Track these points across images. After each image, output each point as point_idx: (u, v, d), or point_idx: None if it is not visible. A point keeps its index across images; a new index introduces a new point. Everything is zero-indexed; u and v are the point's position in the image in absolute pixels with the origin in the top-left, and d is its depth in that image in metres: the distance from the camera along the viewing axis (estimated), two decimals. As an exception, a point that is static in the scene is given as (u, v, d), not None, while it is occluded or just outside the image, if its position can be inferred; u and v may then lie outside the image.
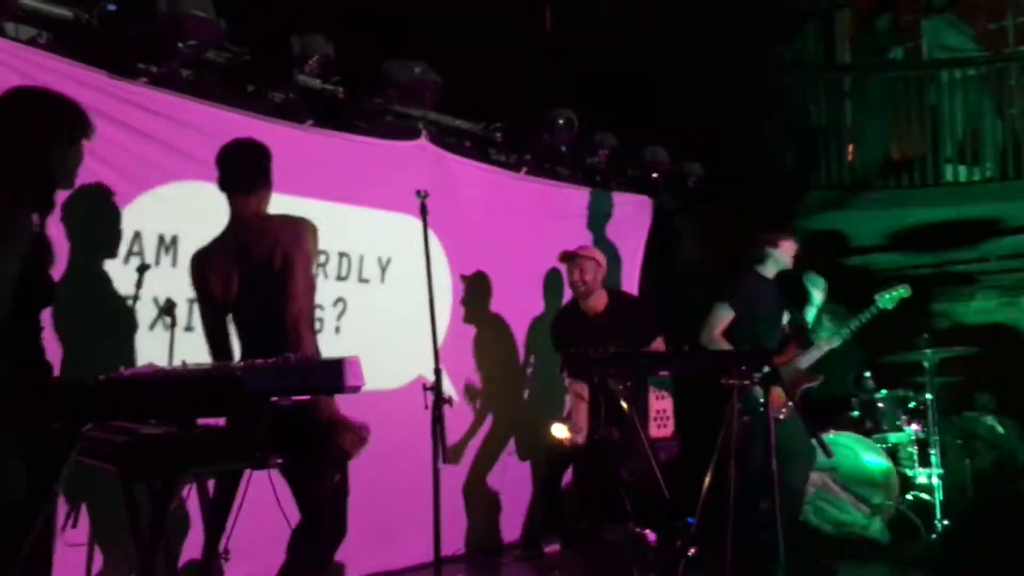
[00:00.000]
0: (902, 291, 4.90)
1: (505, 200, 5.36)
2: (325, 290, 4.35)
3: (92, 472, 2.83)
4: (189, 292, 3.75)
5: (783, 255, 4.87)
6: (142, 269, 3.65)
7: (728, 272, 5.09)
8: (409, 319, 4.73)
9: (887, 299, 4.87)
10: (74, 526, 3.25)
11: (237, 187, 3.13)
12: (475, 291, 5.15)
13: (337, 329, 4.45)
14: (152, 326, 3.72)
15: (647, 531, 4.86)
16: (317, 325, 4.21)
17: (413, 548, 4.39)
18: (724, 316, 4.76)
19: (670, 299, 6.25)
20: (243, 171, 3.14)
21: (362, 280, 4.58)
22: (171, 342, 3.62)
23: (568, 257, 4.87)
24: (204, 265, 3.13)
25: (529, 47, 6.00)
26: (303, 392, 2.58)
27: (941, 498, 5.22)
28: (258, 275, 3.02)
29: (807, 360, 4.78)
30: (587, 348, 4.29)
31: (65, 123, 2.50)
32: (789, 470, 4.47)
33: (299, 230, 3.05)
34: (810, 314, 5.15)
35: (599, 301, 4.82)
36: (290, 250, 3.00)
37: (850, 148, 7.73)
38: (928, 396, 5.37)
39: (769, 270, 4.88)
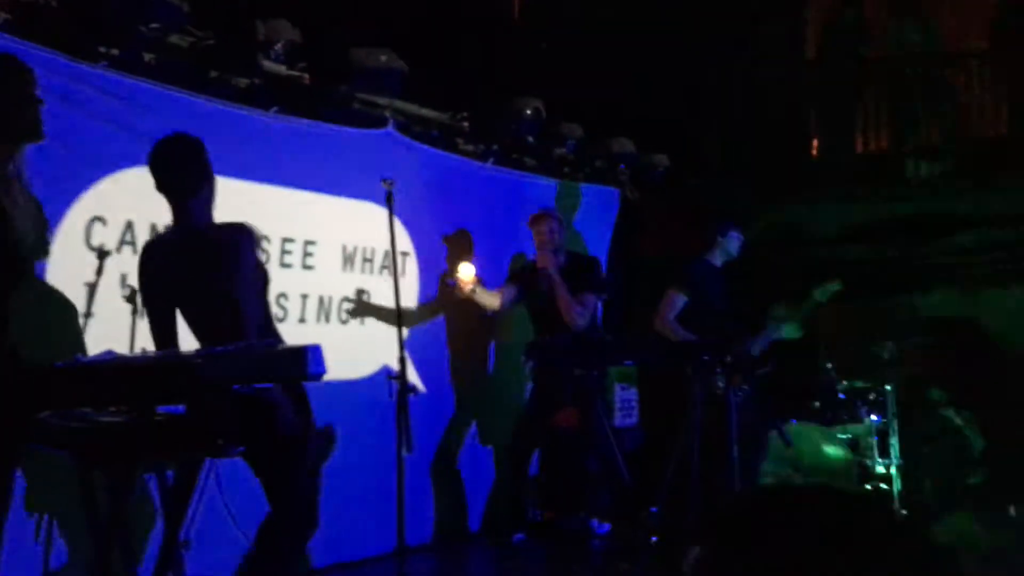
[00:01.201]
0: (835, 286, 5.07)
1: (472, 190, 5.35)
2: (290, 279, 4.32)
3: (51, 460, 2.81)
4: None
5: (730, 244, 5.00)
6: (102, 254, 3.59)
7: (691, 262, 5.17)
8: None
9: (822, 292, 5.04)
10: (31, 517, 3.21)
11: (175, 191, 3.03)
12: (440, 280, 5.14)
13: (302, 319, 4.42)
14: (112, 312, 3.67)
15: (609, 521, 4.91)
16: (281, 313, 4.18)
17: (378, 537, 4.39)
18: (678, 302, 4.85)
19: (636, 289, 6.29)
20: (178, 174, 3.02)
21: (327, 268, 4.56)
22: (132, 329, 3.57)
23: (536, 219, 4.95)
24: (150, 265, 3.06)
25: (496, 37, 5.98)
26: (264, 380, 2.57)
27: (899, 488, 5.32)
28: (205, 290, 2.96)
29: (756, 346, 4.89)
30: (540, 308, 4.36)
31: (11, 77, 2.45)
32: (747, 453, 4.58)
33: (239, 239, 2.98)
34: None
35: (557, 262, 4.89)
36: (232, 264, 2.94)
37: (815, 142, 7.81)
38: (887, 387, 5.45)
39: (717, 258, 4.99)
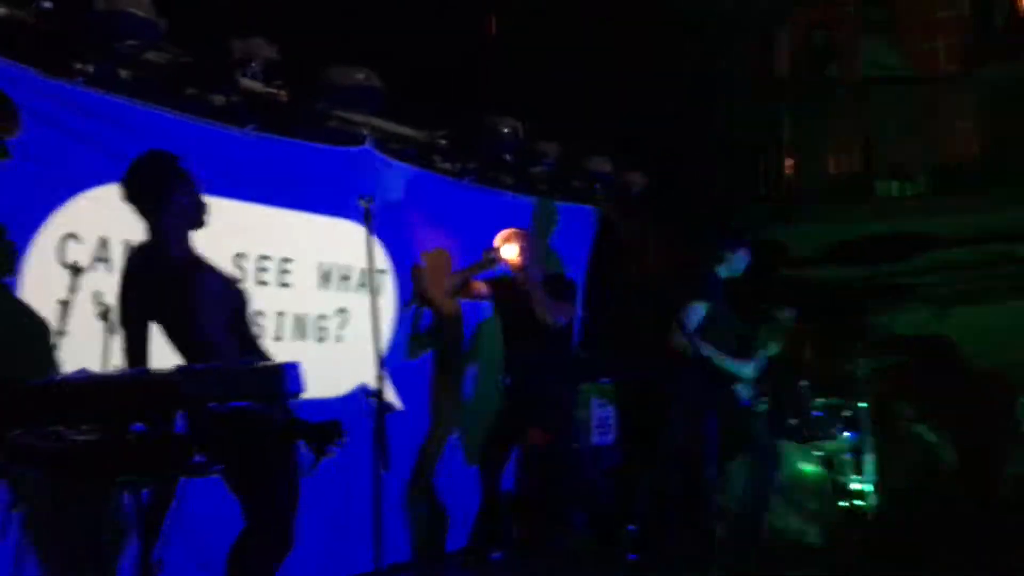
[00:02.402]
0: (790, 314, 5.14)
1: (450, 208, 5.35)
2: (266, 296, 4.29)
3: (26, 479, 2.76)
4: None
5: (738, 262, 5.02)
6: (76, 271, 3.55)
7: (671, 281, 5.20)
8: (352, 325, 4.71)
9: (785, 319, 5.12)
10: (1, 538, 3.15)
11: (150, 208, 3.04)
12: (437, 289, 5.14)
13: (278, 337, 4.39)
14: (85, 330, 3.63)
15: (588, 540, 4.90)
16: (257, 331, 4.16)
17: (356, 557, 4.35)
18: (697, 312, 4.87)
19: (613, 308, 6.30)
20: (138, 189, 3.04)
21: (304, 286, 4.54)
22: (105, 347, 3.52)
23: (506, 237, 4.93)
24: (128, 278, 3.06)
25: (474, 55, 6.01)
26: (243, 398, 2.55)
27: (874, 505, 5.35)
28: (169, 315, 2.96)
29: (755, 367, 4.94)
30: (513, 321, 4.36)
31: None
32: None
33: (239, 291, 2.99)
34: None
35: (534, 278, 4.88)
36: (240, 306, 2.94)
37: (788, 162, 7.91)
38: (862, 405, 5.50)
39: (722, 273, 5.00)
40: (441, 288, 5.12)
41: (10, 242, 3.43)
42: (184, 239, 3.06)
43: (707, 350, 4.77)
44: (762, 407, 4.99)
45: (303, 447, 2.87)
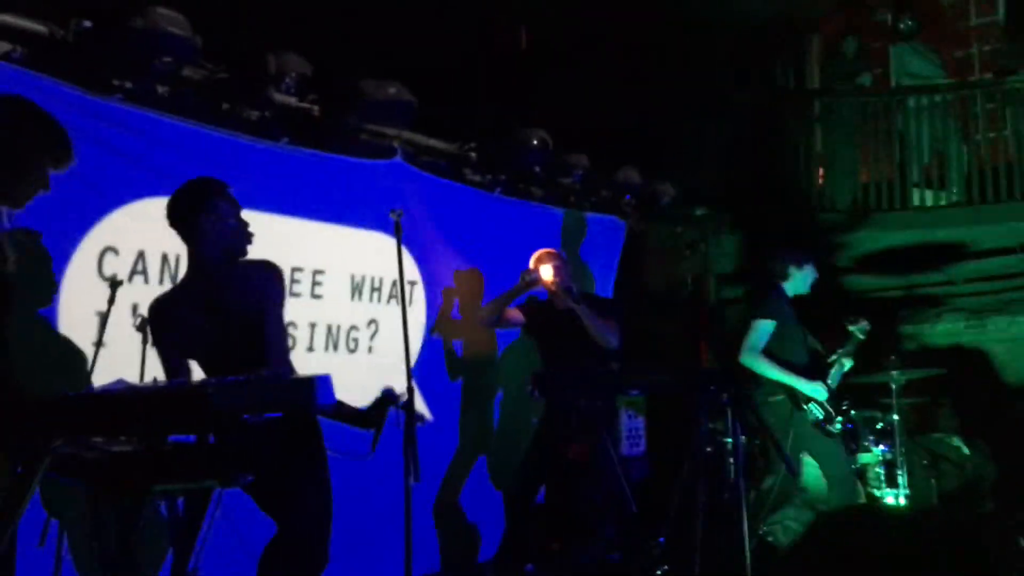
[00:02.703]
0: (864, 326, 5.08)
1: (480, 219, 5.38)
2: (298, 308, 4.35)
3: (62, 488, 2.82)
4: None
5: (805, 277, 4.97)
6: (114, 284, 3.63)
7: (694, 290, 5.19)
8: (382, 336, 4.75)
9: (859, 330, 5.05)
10: (41, 545, 3.22)
11: (186, 235, 3.10)
12: (448, 309, 5.17)
13: (310, 347, 4.45)
14: (123, 342, 3.70)
15: (618, 551, 4.89)
16: (289, 342, 4.21)
17: (385, 567, 4.37)
18: (767, 332, 4.83)
19: (641, 318, 6.30)
20: (186, 217, 3.08)
21: (335, 298, 4.58)
22: (142, 358, 3.59)
23: (539, 258, 4.92)
24: (165, 315, 3.10)
25: (504, 68, 6.05)
26: (274, 409, 2.58)
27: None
28: (230, 325, 3.01)
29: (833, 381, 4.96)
30: (549, 342, 4.37)
31: (47, 144, 2.51)
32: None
33: (268, 276, 3.05)
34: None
35: (573, 295, 4.85)
36: (262, 297, 2.99)
37: (820, 172, 7.86)
38: (895, 417, 5.44)
39: (789, 289, 4.95)
40: (473, 308, 5.15)
41: (52, 274, 3.51)
42: (224, 259, 3.10)
43: (775, 371, 4.74)
44: (836, 427, 4.94)
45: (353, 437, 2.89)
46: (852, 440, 5.72)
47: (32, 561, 3.13)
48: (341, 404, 3.20)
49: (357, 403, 4.38)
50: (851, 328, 5.03)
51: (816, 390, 4.85)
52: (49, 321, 3.49)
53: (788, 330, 4.89)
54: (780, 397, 4.87)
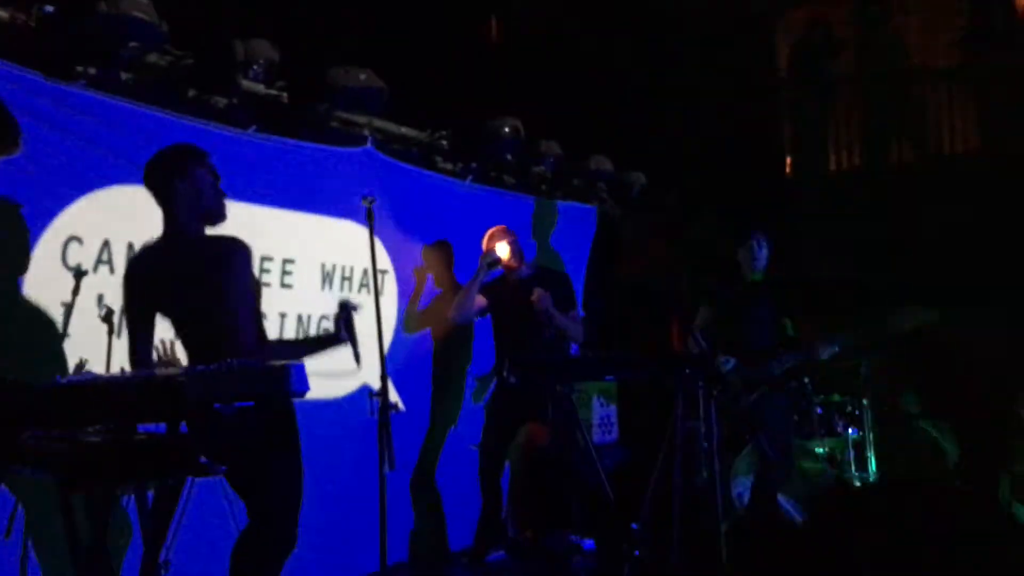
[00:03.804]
0: (927, 315, 4.92)
1: (451, 208, 5.37)
2: (269, 297, 4.30)
3: (28, 481, 2.77)
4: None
5: (756, 253, 5.01)
6: (79, 274, 3.57)
7: (669, 280, 5.22)
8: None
9: (900, 321, 4.93)
10: (7, 536, 3.16)
11: (162, 198, 3.06)
12: (421, 289, 5.15)
13: (280, 337, 4.40)
14: (89, 332, 3.64)
15: (590, 539, 4.91)
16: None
17: (360, 555, 4.36)
18: (702, 317, 4.96)
19: (613, 306, 6.32)
20: (151, 177, 3.05)
21: (306, 287, 4.55)
22: (108, 349, 3.54)
23: (491, 235, 4.92)
24: (138, 269, 3.07)
25: (475, 56, 6.03)
26: (247, 398, 2.55)
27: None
28: (200, 295, 2.98)
29: (781, 365, 4.90)
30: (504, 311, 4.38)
31: None
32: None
33: (233, 249, 3.01)
34: None
35: (523, 273, 4.89)
36: (225, 271, 2.96)
37: (788, 161, 7.93)
38: (864, 401, 5.51)
39: (744, 273, 5.01)
40: (446, 281, 5.13)
41: (27, 230, 3.45)
42: (201, 227, 3.06)
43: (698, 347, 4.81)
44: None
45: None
46: (818, 424, 5.79)
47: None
48: (304, 341, 3.19)
49: (331, 393, 4.37)
50: (895, 317, 4.96)
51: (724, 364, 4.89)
52: (12, 311, 3.42)
53: (729, 313, 4.97)
54: None
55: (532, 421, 4.71)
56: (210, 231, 3.08)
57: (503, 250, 4.79)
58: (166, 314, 3.02)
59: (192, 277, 2.97)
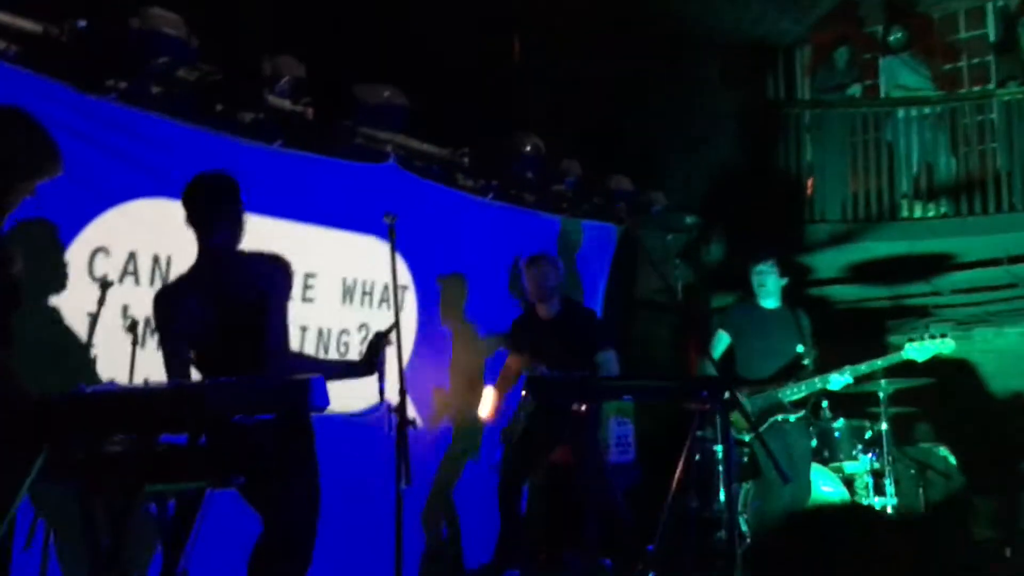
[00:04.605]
0: (943, 345, 4.83)
1: (472, 225, 5.39)
2: (290, 311, 4.33)
3: (48, 489, 2.80)
4: (150, 310, 3.74)
5: (761, 283, 5.05)
6: (105, 285, 3.61)
7: (688, 300, 5.24)
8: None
9: (916, 349, 4.87)
10: (27, 547, 3.19)
11: (205, 223, 3.11)
12: (440, 314, 5.17)
13: (301, 350, 4.43)
14: (113, 343, 3.68)
15: (607, 559, 4.89)
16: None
17: (375, 572, 4.36)
18: (718, 340, 5.06)
19: (631, 325, 6.31)
20: (210, 206, 3.11)
21: (327, 301, 4.58)
22: (132, 360, 3.58)
23: (531, 261, 4.94)
24: (174, 303, 3.09)
25: (497, 75, 6.07)
26: (268, 411, 2.58)
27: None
28: (237, 313, 3.02)
29: (792, 393, 4.88)
30: (538, 354, 4.41)
31: (36, 158, 2.52)
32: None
33: (274, 267, 3.07)
34: None
35: (553, 307, 4.89)
36: (268, 288, 3.02)
37: (809, 182, 7.90)
38: (883, 426, 5.46)
39: (759, 298, 5.06)
40: (456, 314, 5.16)
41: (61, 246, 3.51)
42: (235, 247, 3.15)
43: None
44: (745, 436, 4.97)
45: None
46: (836, 448, 5.75)
47: (17, 564, 3.11)
48: (334, 363, 3.23)
49: (349, 407, 4.39)
50: (912, 344, 4.90)
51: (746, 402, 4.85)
52: (41, 321, 3.47)
53: (741, 339, 5.02)
54: None
55: (563, 443, 4.71)
56: (249, 248, 3.14)
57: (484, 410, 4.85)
58: (196, 347, 3.06)
59: (229, 302, 3.01)
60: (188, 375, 3.06)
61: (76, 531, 2.57)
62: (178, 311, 3.04)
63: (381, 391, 3.29)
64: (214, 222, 3.08)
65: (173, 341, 3.05)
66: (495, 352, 5.39)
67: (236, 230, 3.12)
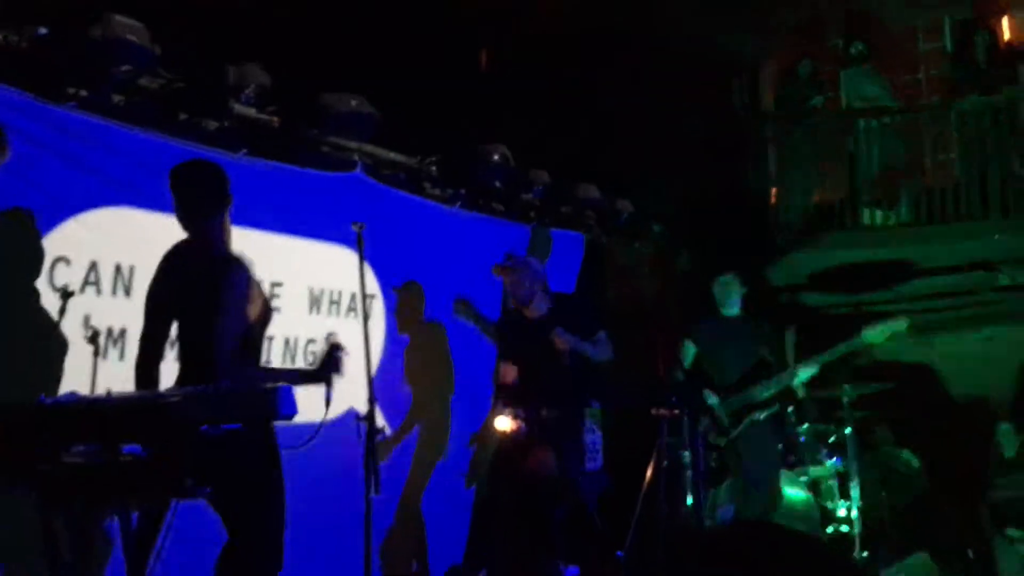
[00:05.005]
0: (896, 324, 5.01)
1: (440, 233, 5.38)
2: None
3: (9, 501, 2.75)
4: (112, 320, 3.69)
5: (722, 294, 5.20)
6: (66, 295, 3.55)
7: (656, 308, 5.31)
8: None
9: (874, 333, 4.99)
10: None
11: (193, 212, 3.12)
12: (408, 323, 5.15)
13: (267, 360, 4.39)
14: (74, 354, 3.62)
15: (575, 566, 4.89)
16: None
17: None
18: (686, 351, 5.22)
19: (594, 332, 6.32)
20: (194, 196, 3.12)
21: (294, 310, 4.54)
22: (94, 370, 3.52)
23: (501, 270, 4.92)
24: (167, 270, 3.11)
25: (465, 84, 6.08)
26: (235, 420, 2.55)
27: (859, 530, 5.36)
28: (196, 310, 3.00)
29: (763, 392, 4.94)
30: (530, 356, 4.41)
31: None
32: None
33: (231, 269, 3.04)
34: None
35: (540, 307, 4.85)
36: (221, 289, 2.99)
37: (773, 192, 8.01)
38: (847, 430, 5.53)
39: (721, 308, 5.22)
40: (410, 319, 5.15)
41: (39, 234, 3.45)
42: (227, 244, 3.14)
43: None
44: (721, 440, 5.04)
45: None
46: (802, 453, 5.82)
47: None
48: (284, 371, 3.21)
49: (316, 416, 4.35)
50: (868, 330, 5.03)
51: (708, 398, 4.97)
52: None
53: (708, 348, 5.17)
54: None
55: (546, 449, 4.71)
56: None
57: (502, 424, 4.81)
58: (177, 316, 3.08)
59: (200, 288, 2.99)
60: (159, 357, 3.04)
61: (35, 545, 2.51)
62: (174, 269, 3.07)
63: (327, 401, 3.25)
64: (204, 227, 3.08)
65: (158, 301, 3.08)
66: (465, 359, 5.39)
67: (224, 226, 3.14)
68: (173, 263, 3.13)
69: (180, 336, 3.11)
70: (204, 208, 3.12)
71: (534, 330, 4.77)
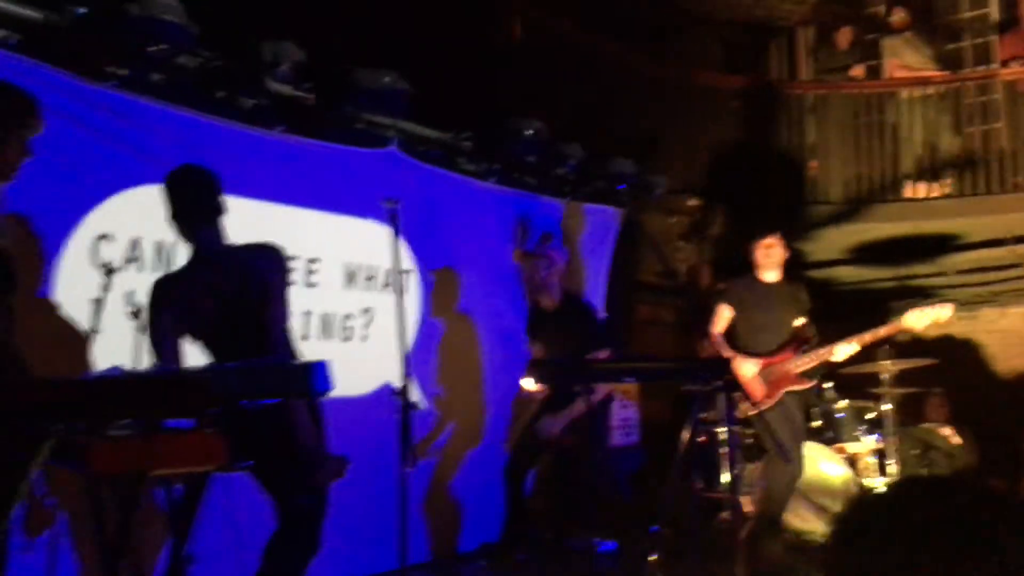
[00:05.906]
0: (941, 311, 4.81)
1: (474, 209, 5.39)
2: (293, 297, 4.32)
3: (59, 475, 2.82)
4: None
5: (756, 257, 5.01)
6: (109, 271, 3.61)
7: (688, 280, 5.24)
8: (377, 325, 4.76)
9: (917, 317, 4.83)
10: (33, 536, 3.22)
11: (192, 219, 3.14)
12: (443, 298, 5.18)
13: (305, 336, 4.45)
14: (117, 329, 3.70)
15: (611, 541, 4.92)
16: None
17: (380, 555, 4.39)
18: (721, 315, 4.98)
19: (634, 308, 6.32)
20: (197, 202, 3.14)
21: (330, 286, 4.59)
22: (137, 346, 3.59)
23: (522, 256, 4.97)
24: (170, 294, 3.12)
25: (498, 58, 6.05)
26: (273, 395, 2.60)
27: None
28: (234, 310, 3.03)
29: (800, 364, 4.87)
30: (545, 346, 4.41)
31: (10, 111, 2.52)
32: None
33: (269, 259, 3.08)
34: None
35: (555, 296, 4.93)
36: (264, 281, 3.03)
37: (812, 164, 7.89)
38: (887, 406, 5.48)
39: (760, 272, 5.01)
40: (445, 307, 5.17)
41: (43, 259, 3.52)
42: (224, 241, 3.15)
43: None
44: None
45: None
46: (840, 429, 5.75)
47: (19, 565, 3.14)
48: None
49: (352, 392, 4.41)
50: (910, 313, 4.88)
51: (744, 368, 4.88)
52: (44, 307, 3.49)
53: (743, 312, 4.99)
54: None
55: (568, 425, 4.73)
56: (249, 235, 3.16)
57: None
58: (198, 339, 3.10)
59: (225, 297, 3.04)
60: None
61: (85, 514, 2.58)
62: (171, 300, 3.06)
63: None
64: (199, 225, 3.09)
65: (159, 331, 3.09)
66: (499, 335, 5.41)
67: (219, 226, 3.15)
68: (172, 288, 3.13)
69: (215, 352, 3.11)
70: (190, 222, 3.14)
71: (549, 319, 4.87)
